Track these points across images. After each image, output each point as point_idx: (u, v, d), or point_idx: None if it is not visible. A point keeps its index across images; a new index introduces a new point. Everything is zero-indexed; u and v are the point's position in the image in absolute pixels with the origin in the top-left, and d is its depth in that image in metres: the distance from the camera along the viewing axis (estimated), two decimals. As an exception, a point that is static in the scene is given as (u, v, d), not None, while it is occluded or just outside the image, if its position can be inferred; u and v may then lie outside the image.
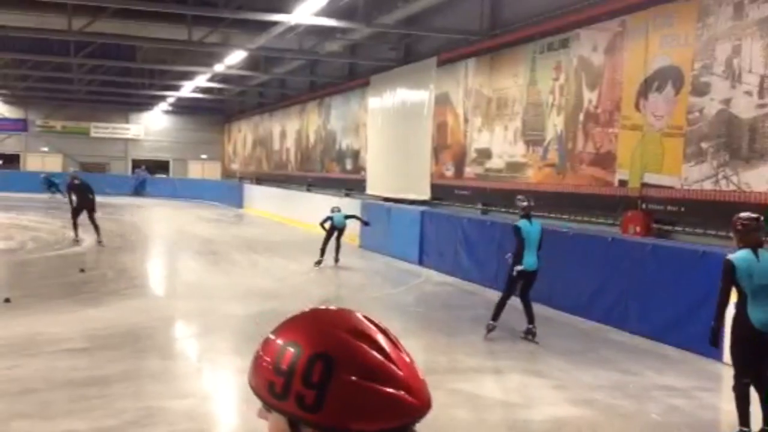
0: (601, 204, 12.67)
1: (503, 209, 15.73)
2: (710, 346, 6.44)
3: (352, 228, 18.02)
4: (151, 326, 10.14)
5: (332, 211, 16.48)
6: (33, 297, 11.72)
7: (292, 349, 1.24)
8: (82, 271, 14.32)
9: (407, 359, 1.26)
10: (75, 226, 18.93)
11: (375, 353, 1.23)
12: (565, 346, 9.76)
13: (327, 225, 16.13)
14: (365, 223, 17.43)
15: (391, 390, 1.21)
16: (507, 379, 8.31)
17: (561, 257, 12.03)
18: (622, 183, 12.14)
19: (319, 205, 24.66)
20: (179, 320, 11.10)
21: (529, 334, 9.80)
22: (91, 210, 18.72)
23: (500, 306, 9.80)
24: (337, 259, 16.37)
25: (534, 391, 7.76)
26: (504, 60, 15.65)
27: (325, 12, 16.38)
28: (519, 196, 10.36)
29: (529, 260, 9.66)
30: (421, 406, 1.23)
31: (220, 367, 8.48)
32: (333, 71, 26.92)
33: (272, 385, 1.25)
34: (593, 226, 12.84)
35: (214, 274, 15.43)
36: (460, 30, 17.29)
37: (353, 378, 1.20)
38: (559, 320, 11.37)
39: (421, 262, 16.78)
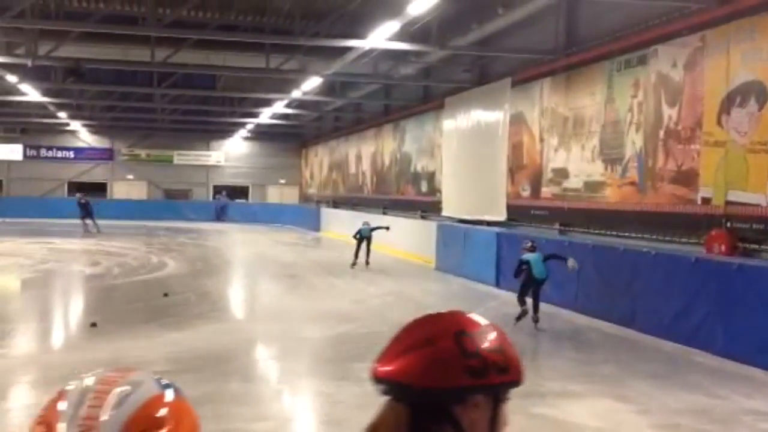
0: (683, 223, 12.36)
1: (582, 229, 15.50)
2: None
3: (427, 250, 18.97)
4: (233, 349, 10.30)
5: (363, 224, 21.18)
6: (118, 321, 12.04)
7: None
8: (166, 295, 14.64)
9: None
10: None
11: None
12: (649, 369, 9.51)
13: (357, 236, 20.69)
14: (386, 229, 21.54)
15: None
16: (589, 403, 8.12)
17: (643, 278, 11.79)
18: (706, 201, 11.82)
19: (396, 227, 24.75)
20: (259, 343, 11.25)
21: (533, 319, 12.00)
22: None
23: (520, 300, 12.18)
24: (367, 262, 20.50)
25: (617, 416, 7.57)
26: (580, 78, 15.47)
27: (399, 36, 16.50)
28: (525, 241, 13.25)
29: (538, 271, 12.15)
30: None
31: (299, 390, 8.56)
32: (407, 94, 27.06)
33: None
34: (675, 245, 12.52)
35: (293, 297, 15.60)
36: (535, 50, 17.19)
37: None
38: (642, 342, 11.09)
39: (498, 284, 16.61)
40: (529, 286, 12.38)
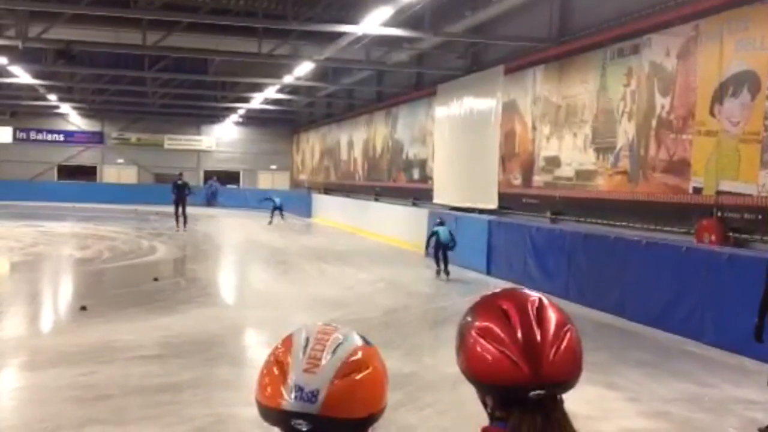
0: (674, 212, 12.38)
1: (573, 218, 15.51)
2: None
3: (419, 237, 18.57)
4: (222, 334, 10.28)
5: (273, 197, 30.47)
6: (108, 305, 12.00)
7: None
8: (156, 279, 14.60)
9: (538, 337, 1.51)
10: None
11: (502, 319, 1.52)
12: (639, 357, 9.55)
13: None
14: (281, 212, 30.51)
15: (501, 348, 1.47)
16: (579, 390, 8.00)
17: (634, 267, 11.82)
18: (697, 190, 11.83)
19: (387, 214, 24.73)
20: (249, 329, 11.23)
21: (444, 273, 16.04)
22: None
23: (436, 260, 16.24)
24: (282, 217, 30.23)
25: (607, 404, 7.59)
26: (573, 67, 15.45)
27: (392, 22, 16.43)
28: (435, 218, 17.68)
29: (444, 238, 15.90)
30: (529, 374, 1.46)
31: (289, 376, 8.53)
32: (400, 81, 26.99)
33: None
34: (666, 235, 12.54)
35: (284, 283, 15.58)
36: (528, 38, 17.14)
37: (474, 333, 1.54)
38: (633, 331, 11.12)
39: (489, 272, 16.64)
40: (438, 249, 16.01)
